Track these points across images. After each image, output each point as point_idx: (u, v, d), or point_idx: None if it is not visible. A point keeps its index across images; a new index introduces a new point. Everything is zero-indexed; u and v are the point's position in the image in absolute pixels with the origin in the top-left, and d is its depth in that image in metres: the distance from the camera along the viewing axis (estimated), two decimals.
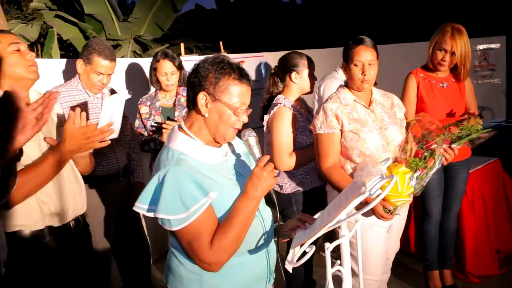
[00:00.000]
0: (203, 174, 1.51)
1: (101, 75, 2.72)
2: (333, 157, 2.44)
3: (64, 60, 3.41)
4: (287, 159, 2.72)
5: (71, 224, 2.07)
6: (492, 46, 6.17)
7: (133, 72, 3.88)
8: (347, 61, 2.44)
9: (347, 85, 2.53)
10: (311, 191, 2.83)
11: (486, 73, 6.21)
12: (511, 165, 3.89)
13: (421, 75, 3.06)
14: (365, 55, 2.37)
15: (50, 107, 1.42)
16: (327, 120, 2.41)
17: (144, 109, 3.27)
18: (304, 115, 2.85)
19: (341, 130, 2.42)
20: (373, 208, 2.22)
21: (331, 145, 2.43)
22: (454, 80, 3.05)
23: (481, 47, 6.13)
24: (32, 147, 1.88)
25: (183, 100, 3.25)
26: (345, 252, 1.73)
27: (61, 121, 2.10)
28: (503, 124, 5.15)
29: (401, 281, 3.49)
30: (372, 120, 2.44)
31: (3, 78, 1.90)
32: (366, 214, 2.31)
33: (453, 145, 2.48)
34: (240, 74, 1.57)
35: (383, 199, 2.18)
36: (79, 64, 2.73)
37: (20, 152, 1.48)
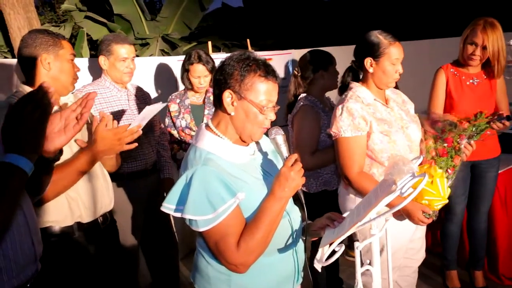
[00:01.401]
0: (230, 174, 1.49)
1: (127, 60, 2.78)
2: (361, 163, 2.26)
3: (86, 59, 3.47)
4: (309, 158, 2.69)
5: (99, 220, 2.12)
6: None
7: (161, 71, 3.91)
8: (376, 56, 2.25)
9: (357, 81, 2.40)
10: (337, 191, 2.79)
11: None
12: None
13: (451, 70, 2.98)
14: (401, 52, 2.25)
15: (88, 107, 1.46)
16: (354, 122, 2.22)
17: (173, 107, 3.30)
18: (328, 113, 2.82)
19: (368, 133, 2.25)
20: (411, 213, 2.19)
21: (359, 150, 2.25)
22: (485, 77, 2.96)
23: None
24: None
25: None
26: (375, 251, 1.70)
27: (90, 120, 2.14)
28: None
29: (428, 280, 3.44)
30: (394, 120, 2.31)
31: (47, 78, 1.96)
32: (399, 218, 2.28)
33: (470, 140, 2.41)
34: (266, 70, 1.53)
35: (424, 205, 2.14)
36: (102, 60, 2.79)
37: (60, 152, 1.52)
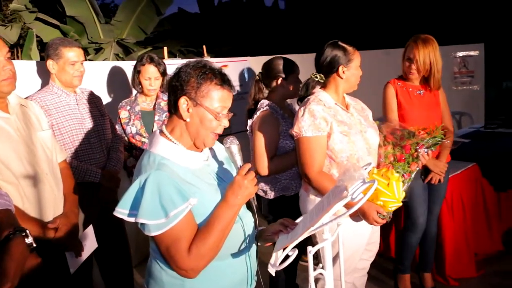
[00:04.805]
0: (184, 179, 1.51)
1: (76, 64, 2.73)
2: (321, 162, 2.35)
3: (35, 62, 3.34)
4: (268, 164, 2.73)
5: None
6: (471, 53, 6.29)
7: (115, 75, 3.85)
8: (347, 63, 2.40)
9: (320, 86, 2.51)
10: (295, 196, 2.83)
11: (465, 79, 6.33)
12: (489, 170, 3.96)
13: (398, 84, 3.13)
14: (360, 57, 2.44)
15: None
16: (316, 123, 2.31)
17: (123, 114, 3.24)
18: (287, 120, 2.86)
19: (328, 133, 2.34)
20: (366, 213, 2.27)
21: (319, 149, 2.33)
22: (428, 88, 3.11)
23: (460, 54, 6.26)
24: (11, 155, 1.88)
25: (163, 104, 3.24)
26: (327, 255, 1.74)
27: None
28: (482, 130, 5.23)
29: (381, 283, 3.53)
30: (354, 123, 2.42)
31: None
32: (355, 219, 2.35)
33: (427, 150, 2.53)
34: (222, 79, 1.58)
35: (379, 205, 2.23)
36: (50, 65, 2.72)
37: None
